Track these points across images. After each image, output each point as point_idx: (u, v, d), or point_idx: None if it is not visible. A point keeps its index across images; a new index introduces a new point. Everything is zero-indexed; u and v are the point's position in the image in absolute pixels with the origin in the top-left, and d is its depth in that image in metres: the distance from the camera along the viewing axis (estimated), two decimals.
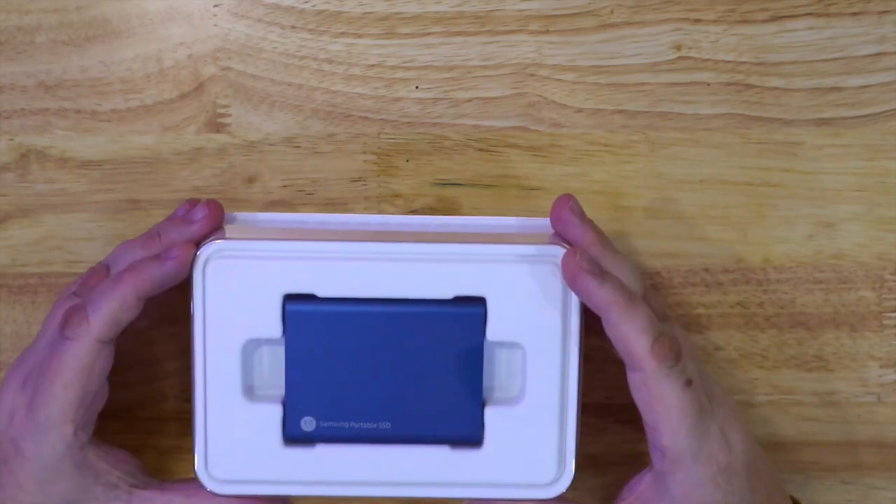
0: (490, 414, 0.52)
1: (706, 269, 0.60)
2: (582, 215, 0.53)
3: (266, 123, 0.58)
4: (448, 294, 0.51)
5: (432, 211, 0.59)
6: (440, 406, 0.52)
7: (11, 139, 0.58)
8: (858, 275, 0.60)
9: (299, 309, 0.51)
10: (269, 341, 0.52)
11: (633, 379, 0.50)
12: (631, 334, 0.49)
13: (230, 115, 0.58)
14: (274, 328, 0.51)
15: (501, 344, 0.52)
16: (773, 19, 0.58)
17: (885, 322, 0.60)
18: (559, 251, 0.51)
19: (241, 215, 0.55)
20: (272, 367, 0.52)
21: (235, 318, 0.50)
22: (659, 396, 0.49)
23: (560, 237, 0.53)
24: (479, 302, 0.51)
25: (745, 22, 0.58)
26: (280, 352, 0.52)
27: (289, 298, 0.51)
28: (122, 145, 0.58)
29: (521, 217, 0.55)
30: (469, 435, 0.52)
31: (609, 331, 0.50)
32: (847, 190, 0.59)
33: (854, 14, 0.58)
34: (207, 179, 0.58)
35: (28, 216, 0.58)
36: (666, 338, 0.49)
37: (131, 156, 0.58)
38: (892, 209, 0.59)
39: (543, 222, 0.54)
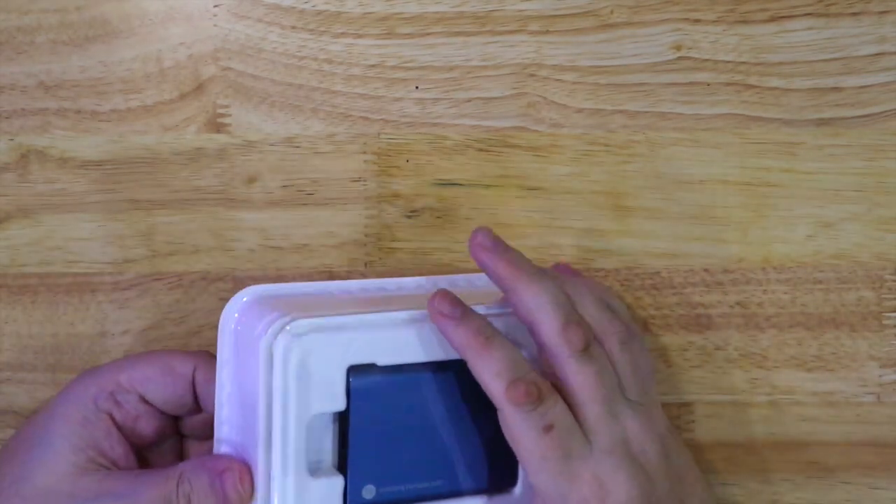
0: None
1: (706, 269, 0.60)
2: (494, 249, 0.51)
3: (266, 123, 0.58)
4: None
5: (432, 211, 0.59)
6: (485, 458, 0.53)
7: (11, 139, 0.58)
8: (858, 275, 0.60)
9: (364, 380, 0.50)
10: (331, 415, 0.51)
11: (499, 417, 0.50)
12: (485, 377, 0.49)
13: (230, 115, 0.58)
14: (338, 401, 0.50)
15: None
16: (773, 19, 0.58)
17: (885, 322, 0.60)
18: None
19: (255, 289, 0.52)
20: (328, 437, 0.51)
21: (302, 394, 0.49)
22: (517, 438, 0.49)
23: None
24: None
25: (745, 22, 0.58)
26: (335, 420, 0.51)
27: (352, 370, 0.50)
28: (122, 145, 0.58)
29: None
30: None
31: (471, 371, 0.50)
32: (847, 190, 0.59)
33: (854, 14, 0.58)
34: (207, 179, 0.58)
35: (28, 216, 0.58)
36: (522, 382, 0.49)
37: (131, 156, 0.58)
38: (892, 209, 0.59)
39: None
